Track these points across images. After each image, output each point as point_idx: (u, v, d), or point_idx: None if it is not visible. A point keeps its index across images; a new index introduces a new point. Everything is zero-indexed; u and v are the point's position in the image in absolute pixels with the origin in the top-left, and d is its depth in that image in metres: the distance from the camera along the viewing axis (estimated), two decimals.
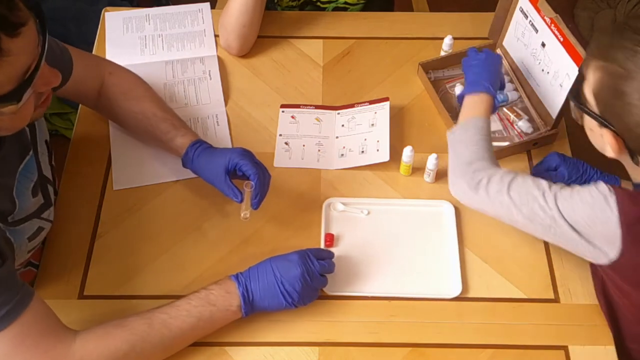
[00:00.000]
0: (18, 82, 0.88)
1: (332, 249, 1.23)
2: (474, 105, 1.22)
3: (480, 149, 1.15)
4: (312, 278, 1.11)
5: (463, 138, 1.17)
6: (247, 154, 1.20)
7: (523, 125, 1.38)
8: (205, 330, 1.10)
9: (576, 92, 1.05)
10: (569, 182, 1.24)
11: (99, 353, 1.01)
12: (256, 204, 1.18)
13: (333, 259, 1.17)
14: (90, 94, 1.29)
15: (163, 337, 1.05)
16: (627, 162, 1.04)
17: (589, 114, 1.02)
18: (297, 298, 1.11)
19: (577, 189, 1.03)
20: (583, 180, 1.25)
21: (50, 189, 1.17)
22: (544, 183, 1.06)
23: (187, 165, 1.25)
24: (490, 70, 1.26)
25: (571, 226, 1.01)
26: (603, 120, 0.99)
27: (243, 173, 1.18)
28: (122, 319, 1.05)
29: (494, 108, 1.23)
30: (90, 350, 1.01)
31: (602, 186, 1.00)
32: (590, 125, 1.05)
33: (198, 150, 1.22)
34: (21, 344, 0.97)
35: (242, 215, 1.20)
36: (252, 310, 1.11)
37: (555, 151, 1.30)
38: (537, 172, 1.29)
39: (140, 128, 1.28)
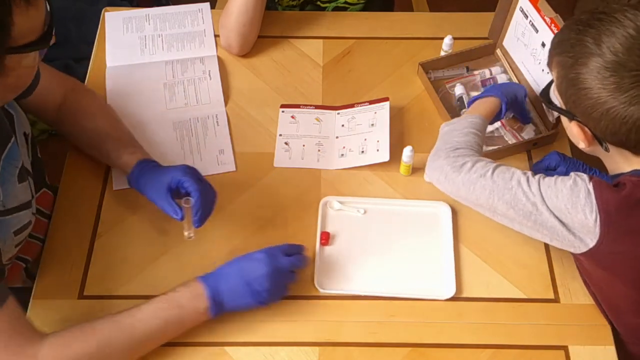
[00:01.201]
0: (42, 30, 0.91)
1: (328, 247, 1.23)
2: (477, 106, 1.25)
3: (469, 140, 1.15)
4: (280, 275, 1.11)
5: (454, 128, 1.19)
6: (190, 171, 1.17)
7: (526, 135, 1.38)
8: (174, 333, 1.10)
9: (545, 93, 1.10)
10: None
11: (66, 356, 1.01)
12: (197, 222, 1.15)
13: (304, 253, 1.17)
14: (50, 108, 1.29)
15: (131, 341, 1.05)
16: (601, 153, 1.07)
17: (556, 110, 1.07)
18: (266, 296, 1.11)
19: (560, 177, 1.04)
20: None
21: (31, 181, 1.18)
22: (528, 172, 1.07)
23: (132, 184, 1.23)
24: (507, 85, 1.29)
25: (552, 212, 1.02)
26: (567, 112, 1.04)
27: (186, 191, 1.15)
28: (90, 322, 1.05)
29: (500, 113, 1.25)
30: (57, 353, 1.01)
31: (583, 175, 1.02)
32: (565, 124, 1.09)
33: (144, 169, 1.21)
34: None
35: (185, 235, 1.17)
36: (220, 311, 1.11)
37: (556, 150, 1.31)
38: (537, 170, 1.29)
39: (92, 145, 1.29)
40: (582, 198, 0.99)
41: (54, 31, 0.93)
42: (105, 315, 1.06)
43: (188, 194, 1.15)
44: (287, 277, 1.14)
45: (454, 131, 1.18)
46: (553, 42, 1.06)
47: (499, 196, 1.06)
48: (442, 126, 1.22)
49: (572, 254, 1.08)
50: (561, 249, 1.07)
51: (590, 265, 1.10)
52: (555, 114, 1.12)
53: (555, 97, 1.08)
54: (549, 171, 1.28)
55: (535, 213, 1.04)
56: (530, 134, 1.37)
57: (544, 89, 1.12)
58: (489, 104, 1.24)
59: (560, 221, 1.02)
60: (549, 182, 1.04)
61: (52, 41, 0.96)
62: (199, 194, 1.14)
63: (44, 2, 0.91)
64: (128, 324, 1.05)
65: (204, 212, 1.15)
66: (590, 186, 1.00)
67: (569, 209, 1.01)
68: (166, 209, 1.16)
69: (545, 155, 1.30)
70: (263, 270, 1.10)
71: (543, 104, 1.12)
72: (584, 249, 1.03)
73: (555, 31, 1.28)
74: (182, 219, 1.15)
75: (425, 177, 1.17)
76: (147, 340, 1.07)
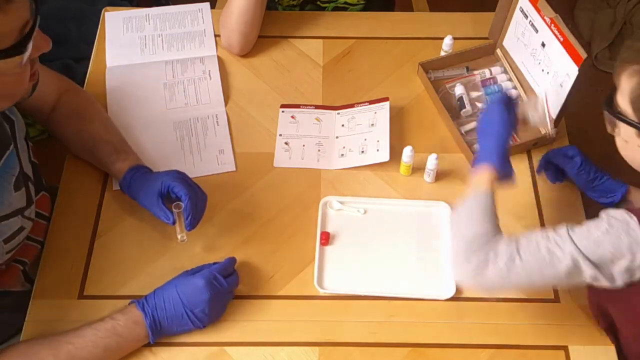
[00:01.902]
0: (20, 34, 0.90)
1: (328, 247, 1.24)
2: (477, 180, 1.12)
3: (481, 224, 1.04)
4: (220, 299, 1.13)
5: (462, 216, 1.08)
6: (180, 176, 1.19)
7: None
8: (114, 359, 1.10)
9: (609, 102, 1.02)
10: (579, 177, 1.24)
11: None
12: (189, 225, 1.16)
13: (235, 268, 1.17)
14: (45, 109, 1.29)
15: None
16: None
17: (627, 123, 0.99)
18: (206, 320, 1.12)
19: (588, 224, 0.99)
20: (593, 185, 1.24)
21: (32, 187, 1.18)
22: (549, 232, 1.00)
23: (124, 190, 1.24)
24: (494, 130, 1.15)
25: (594, 264, 0.96)
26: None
27: (176, 196, 1.17)
28: (28, 346, 1.05)
29: (503, 176, 1.12)
30: None
31: (617, 212, 0.97)
32: (626, 137, 1.02)
33: (135, 175, 1.22)
34: None
35: (178, 238, 1.20)
36: (160, 336, 1.11)
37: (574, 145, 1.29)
38: (553, 154, 1.27)
39: (85, 148, 1.29)
40: (625, 237, 0.95)
41: (32, 36, 0.91)
42: (47, 337, 1.06)
43: (179, 199, 1.17)
44: (227, 298, 1.15)
45: (463, 222, 1.07)
46: (633, 49, 0.98)
47: (537, 274, 0.99)
48: (451, 214, 1.13)
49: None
50: None
51: (617, 293, 1.04)
52: (613, 125, 1.04)
53: (623, 107, 1.00)
54: (565, 158, 1.25)
55: (578, 273, 0.98)
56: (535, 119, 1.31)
57: (607, 99, 1.03)
58: (487, 175, 1.10)
59: (600, 269, 0.97)
60: (581, 233, 0.98)
61: (44, 49, 0.95)
62: (188, 198, 1.15)
63: (20, 8, 0.89)
64: (66, 351, 1.05)
65: (195, 215, 1.17)
66: (634, 221, 0.95)
67: (615, 254, 0.95)
68: (158, 214, 1.18)
69: (564, 147, 1.28)
70: (204, 296, 1.10)
71: (605, 115, 1.04)
72: (619, 284, 0.98)
73: (556, 31, 1.28)
74: (173, 223, 1.17)
75: (455, 279, 1.10)
76: None
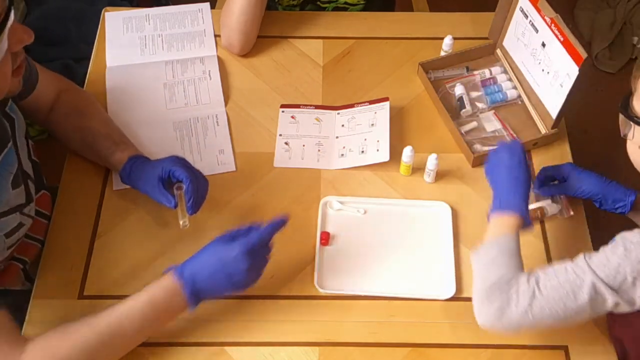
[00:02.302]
0: None
1: (328, 247, 1.24)
2: (500, 224, 1.10)
3: (506, 267, 1.03)
4: (258, 266, 1.09)
5: (486, 260, 1.06)
6: (180, 160, 1.19)
7: (549, 208, 1.27)
8: (153, 330, 1.09)
9: (625, 105, 1.01)
10: (589, 194, 1.21)
11: None
12: (191, 208, 1.16)
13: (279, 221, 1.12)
14: (44, 109, 1.29)
15: (111, 343, 1.04)
16: None
17: None
18: (245, 287, 1.09)
19: (605, 250, 0.98)
20: (598, 198, 1.21)
21: (31, 185, 1.18)
22: (567, 264, 0.99)
23: (125, 180, 1.24)
24: (519, 177, 1.13)
25: (613, 289, 0.96)
26: None
27: (177, 179, 1.18)
28: (67, 327, 1.04)
29: (525, 224, 1.11)
30: (38, 358, 1.00)
31: (633, 235, 0.96)
32: (633, 146, 1.02)
33: (135, 164, 1.22)
34: None
35: (180, 223, 1.18)
36: (198, 304, 1.08)
37: (571, 163, 1.26)
38: (543, 173, 1.25)
39: (85, 144, 1.29)
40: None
41: (4, 29, 0.91)
42: (85, 317, 1.05)
43: (180, 183, 1.17)
44: (264, 264, 1.11)
45: (487, 265, 1.05)
46: None
47: (560, 308, 0.98)
48: (472, 256, 1.10)
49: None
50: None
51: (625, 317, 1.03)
52: (626, 129, 1.03)
53: (636, 109, 0.99)
54: (554, 184, 1.23)
55: (602, 301, 0.97)
56: (554, 210, 1.27)
57: (623, 101, 1.02)
58: (512, 221, 1.09)
59: (621, 296, 0.96)
60: (598, 259, 0.97)
61: (26, 41, 0.95)
62: (189, 181, 1.16)
63: None
64: (106, 327, 1.04)
65: (197, 198, 1.17)
66: None
67: (636, 277, 0.95)
68: (159, 199, 1.18)
69: (556, 165, 1.26)
70: (243, 266, 1.06)
71: (620, 118, 1.02)
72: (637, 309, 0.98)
73: (556, 31, 1.28)
74: (175, 206, 1.17)
75: (477, 320, 1.06)
76: (127, 340, 1.07)
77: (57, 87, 1.31)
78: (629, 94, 1.01)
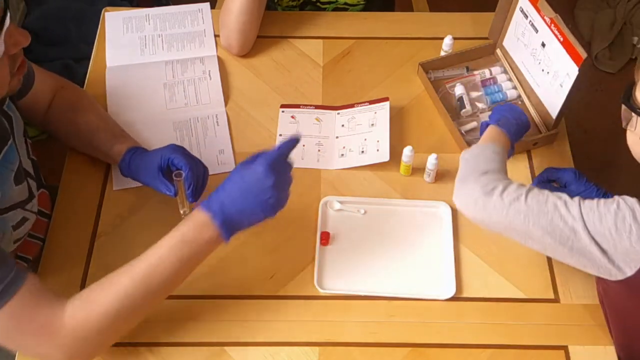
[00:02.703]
0: None
1: (328, 247, 1.24)
2: (494, 136, 1.19)
3: (495, 164, 1.09)
4: (283, 183, 1.06)
5: (478, 153, 1.13)
6: (178, 148, 1.20)
7: None
8: (191, 268, 1.06)
9: (628, 96, 1.01)
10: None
11: (89, 320, 1.00)
12: (191, 196, 1.17)
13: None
14: (41, 108, 1.30)
15: (149, 288, 1.03)
16: None
17: None
18: (276, 206, 1.06)
19: (602, 200, 0.98)
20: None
21: (32, 182, 1.18)
22: (564, 195, 1.00)
23: (124, 172, 1.25)
24: (516, 118, 1.23)
25: (593, 238, 0.96)
26: None
27: (176, 167, 1.18)
28: (107, 278, 1.03)
29: (509, 152, 1.19)
30: (81, 319, 1.00)
31: (630, 199, 0.96)
32: (634, 137, 1.02)
33: (134, 155, 1.23)
34: (19, 319, 0.98)
35: (180, 212, 1.19)
36: (233, 233, 1.05)
37: (574, 169, 1.25)
38: (541, 179, 1.24)
39: (82, 139, 1.29)
40: (628, 224, 0.94)
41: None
42: (123, 266, 1.04)
43: (179, 170, 1.17)
44: (289, 182, 1.08)
45: (479, 157, 1.12)
46: None
47: (534, 221, 1.00)
48: (463, 154, 1.14)
49: (597, 278, 1.03)
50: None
51: (620, 292, 1.04)
52: (628, 120, 1.03)
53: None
54: (554, 186, 1.23)
55: (574, 239, 0.97)
56: None
57: (626, 92, 1.02)
58: (503, 137, 1.18)
59: (601, 248, 0.96)
60: (590, 205, 0.97)
61: (23, 43, 0.96)
62: (189, 168, 1.16)
63: None
64: (143, 272, 1.03)
65: (197, 186, 1.17)
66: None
67: (613, 235, 0.95)
68: (159, 188, 1.19)
69: (560, 168, 1.25)
70: (269, 182, 1.02)
71: (623, 109, 1.03)
72: (620, 277, 0.97)
73: (556, 31, 1.28)
74: (175, 194, 1.17)
75: (454, 200, 1.09)
76: (166, 283, 1.04)
77: (53, 86, 1.31)
78: (632, 84, 1.01)
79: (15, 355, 1.12)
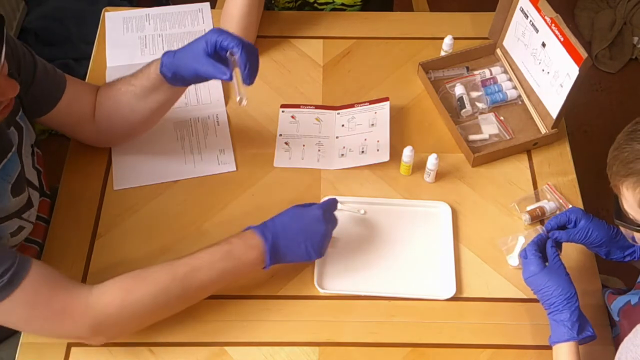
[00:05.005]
0: None
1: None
2: (562, 355, 1.08)
3: None
4: (329, 234, 1.13)
5: None
6: (223, 31, 1.10)
7: (548, 207, 1.27)
8: (227, 282, 1.11)
9: (618, 214, 1.01)
10: (599, 242, 1.15)
11: (124, 305, 1.02)
12: (247, 76, 1.08)
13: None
14: (88, 117, 1.25)
15: (185, 290, 1.06)
16: None
17: None
18: (319, 253, 1.13)
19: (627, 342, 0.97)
20: (619, 245, 1.16)
21: (34, 193, 1.18)
22: None
23: (167, 75, 1.14)
24: (560, 296, 1.07)
25: None
26: None
27: (226, 49, 1.08)
28: (143, 271, 1.06)
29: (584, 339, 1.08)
30: (108, 302, 1.02)
31: None
32: None
33: (171, 54, 1.14)
34: (34, 305, 0.99)
35: (237, 100, 1.11)
36: (274, 262, 1.11)
37: (578, 207, 1.22)
38: (552, 225, 1.16)
39: (137, 98, 1.22)
40: None
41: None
42: (162, 263, 1.07)
43: (230, 51, 1.09)
44: (330, 235, 1.15)
45: None
46: (622, 163, 0.96)
47: None
48: None
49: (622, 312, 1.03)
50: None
51: None
52: (631, 232, 1.02)
53: (630, 214, 0.99)
54: (567, 228, 1.16)
55: None
56: (553, 208, 1.27)
57: (616, 211, 1.01)
58: (573, 351, 1.07)
59: None
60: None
61: (8, 95, 0.96)
62: (242, 46, 1.07)
63: None
64: (184, 274, 1.05)
65: (252, 65, 1.09)
66: None
67: None
68: (211, 72, 1.09)
69: (565, 211, 1.18)
70: (322, 228, 1.11)
71: (622, 229, 1.03)
72: None
73: (556, 31, 1.28)
74: (230, 78, 1.08)
75: None
76: (202, 289, 1.09)
77: (90, 92, 1.26)
78: (616, 201, 1.01)
79: (17, 346, 1.12)
